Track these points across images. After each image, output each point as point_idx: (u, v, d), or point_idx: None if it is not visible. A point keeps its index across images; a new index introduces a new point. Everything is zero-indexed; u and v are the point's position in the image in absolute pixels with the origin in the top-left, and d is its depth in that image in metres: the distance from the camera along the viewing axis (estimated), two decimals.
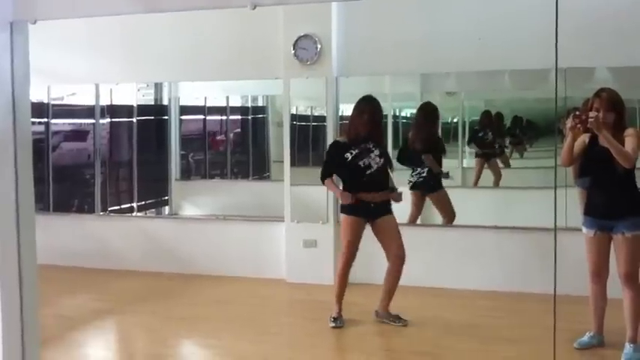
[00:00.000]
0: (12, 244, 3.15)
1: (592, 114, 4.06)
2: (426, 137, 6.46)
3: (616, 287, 4.26)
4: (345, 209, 5.15)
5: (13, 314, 3.17)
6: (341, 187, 5.19)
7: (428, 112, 6.55)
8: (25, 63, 3.19)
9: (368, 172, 5.04)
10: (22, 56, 3.16)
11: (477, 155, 7.14)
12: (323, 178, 5.17)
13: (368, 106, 5.10)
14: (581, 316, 4.48)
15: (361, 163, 5.03)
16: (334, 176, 5.21)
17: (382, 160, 5.07)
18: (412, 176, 6.48)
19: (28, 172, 3.26)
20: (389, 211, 5.13)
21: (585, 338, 4.45)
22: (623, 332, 4.25)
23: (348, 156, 5.04)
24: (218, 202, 8.07)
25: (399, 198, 5.16)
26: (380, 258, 5.36)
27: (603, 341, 4.45)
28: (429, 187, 6.43)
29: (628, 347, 4.20)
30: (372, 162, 5.04)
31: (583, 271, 4.40)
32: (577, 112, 4.14)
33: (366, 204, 5.04)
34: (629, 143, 4.09)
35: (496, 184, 6.92)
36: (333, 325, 5.09)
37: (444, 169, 6.54)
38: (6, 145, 3.10)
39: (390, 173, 5.25)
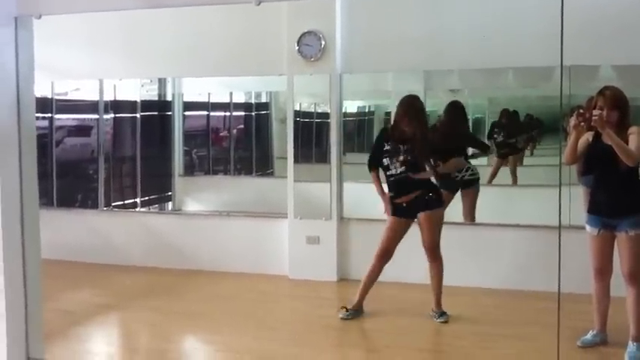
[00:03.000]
0: (16, 239, 3.16)
1: (596, 112, 4.05)
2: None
3: (619, 285, 4.26)
4: (392, 210, 5.14)
5: (18, 309, 3.18)
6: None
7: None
8: (30, 58, 3.20)
9: (388, 172, 5.10)
10: (26, 51, 3.17)
11: (498, 155, 7.17)
12: (370, 166, 5.20)
13: (403, 100, 5.15)
14: (584, 315, 4.48)
15: (385, 160, 5.09)
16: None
17: (403, 168, 5.05)
18: None
19: (33, 166, 3.27)
20: (429, 207, 5.08)
21: (588, 336, 4.45)
22: (626, 330, 4.24)
23: (386, 146, 5.11)
24: (221, 198, 8.07)
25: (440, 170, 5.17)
26: None
27: (606, 339, 4.44)
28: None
29: (631, 346, 4.19)
30: (391, 166, 5.08)
31: (586, 269, 4.40)
32: (581, 110, 4.13)
33: (398, 204, 5.08)
34: (633, 141, 4.07)
35: (513, 175, 6.94)
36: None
37: None
38: (11, 140, 3.11)
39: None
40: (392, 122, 5.25)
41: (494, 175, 7.03)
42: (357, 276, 6.12)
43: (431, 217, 5.08)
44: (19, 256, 3.17)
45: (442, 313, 5.08)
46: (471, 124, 7.37)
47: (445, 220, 6.17)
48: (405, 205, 5.08)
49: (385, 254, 5.15)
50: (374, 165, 5.19)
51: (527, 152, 7.38)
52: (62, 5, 3.04)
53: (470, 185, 6.29)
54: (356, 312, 5.22)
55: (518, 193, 6.77)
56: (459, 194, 6.30)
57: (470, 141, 6.73)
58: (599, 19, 5.53)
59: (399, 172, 5.07)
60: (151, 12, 3.37)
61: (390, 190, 5.14)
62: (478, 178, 6.36)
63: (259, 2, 2.73)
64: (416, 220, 5.12)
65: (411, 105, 5.10)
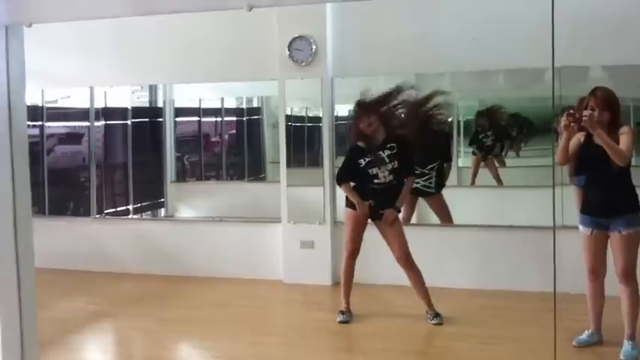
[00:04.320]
0: (10, 248, 3.15)
1: (586, 112, 4.06)
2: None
3: (614, 285, 4.27)
4: (347, 203, 5.22)
5: (13, 318, 3.16)
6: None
7: None
8: (21, 66, 3.19)
9: (375, 180, 5.09)
10: (17, 60, 3.15)
11: (473, 154, 7.16)
12: (339, 181, 5.26)
13: (358, 108, 5.20)
14: (579, 314, 4.49)
15: (370, 170, 5.08)
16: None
17: (392, 177, 5.07)
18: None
19: (25, 175, 3.26)
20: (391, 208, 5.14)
21: (584, 336, 4.46)
22: (621, 330, 4.26)
23: (362, 162, 5.10)
24: (214, 204, 8.06)
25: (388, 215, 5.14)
26: (378, 259, 5.37)
27: (602, 339, 4.46)
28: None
29: (626, 344, 4.21)
30: (380, 174, 5.08)
31: (580, 269, 4.41)
32: (571, 111, 4.14)
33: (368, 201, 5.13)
34: (624, 141, 4.09)
35: (496, 178, 6.94)
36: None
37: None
38: (3, 149, 3.09)
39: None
40: (354, 129, 5.21)
41: (475, 174, 7.03)
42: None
43: (397, 218, 5.15)
44: (13, 265, 3.16)
45: (436, 315, 5.08)
46: (461, 126, 7.38)
47: (435, 222, 6.26)
48: (372, 204, 5.12)
49: (354, 252, 5.22)
50: (345, 179, 5.20)
51: (512, 153, 7.37)
52: (53, 13, 3.01)
53: (427, 195, 6.34)
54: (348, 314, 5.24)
55: (509, 194, 6.78)
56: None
57: (446, 145, 6.79)
58: (589, 20, 5.55)
59: (387, 180, 5.10)
60: (141, 18, 3.35)
61: (364, 195, 5.13)
62: (433, 191, 6.38)
63: (250, 8, 2.73)
64: (372, 224, 5.19)
65: (369, 109, 5.14)
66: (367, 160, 5.08)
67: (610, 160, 4.07)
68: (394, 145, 5.09)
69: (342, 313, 5.22)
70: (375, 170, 5.08)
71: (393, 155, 5.08)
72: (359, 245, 5.25)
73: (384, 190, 5.11)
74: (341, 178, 5.25)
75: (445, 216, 6.37)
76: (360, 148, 5.14)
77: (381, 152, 5.08)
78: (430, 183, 6.35)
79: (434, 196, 6.38)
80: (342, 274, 5.34)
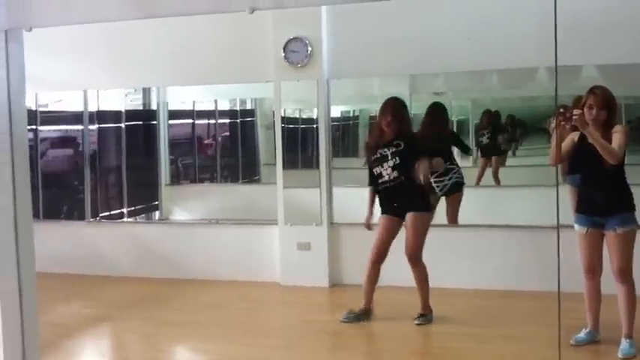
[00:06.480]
0: (11, 252, 3.14)
1: (576, 111, 4.07)
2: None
3: (610, 283, 4.29)
4: (382, 209, 5.17)
5: (14, 323, 3.16)
6: None
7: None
8: (21, 70, 3.19)
9: (380, 180, 5.06)
10: (17, 64, 3.16)
11: (481, 155, 7.25)
12: (370, 183, 5.21)
13: (383, 102, 5.16)
14: (576, 313, 4.48)
15: (375, 170, 5.07)
16: None
17: (395, 173, 4.98)
18: None
19: (26, 178, 3.26)
20: (418, 209, 5.05)
21: (581, 335, 4.47)
22: (618, 328, 4.28)
23: (371, 159, 5.09)
24: (208, 206, 8.05)
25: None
26: None
27: (599, 337, 4.47)
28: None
29: (624, 342, 4.23)
30: (383, 172, 5.03)
31: (576, 267, 4.43)
32: (561, 110, 4.12)
33: (390, 203, 5.09)
34: (616, 140, 4.12)
35: (495, 176, 7.01)
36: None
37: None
38: (3, 152, 3.09)
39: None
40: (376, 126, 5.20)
41: (481, 176, 7.09)
42: (349, 281, 6.17)
43: (418, 218, 5.05)
44: (14, 269, 3.15)
45: (420, 316, 5.07)
46: (454, 125, 7.44)
47: (435, 222, 6.26)
48: (395, 205, 5.06)
49: (379, 256, 5.11)
50: (370, 183, 5.19)
51: (509, 153, 7.45)
52: (53, 17, 3.00)
53: (455, 189, 6.31)
54: (358, 316, 5.17)
55: (506, 193, 6.82)
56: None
57: (452, 141, 6.77)
58: (582, 19, 5.57)
59: (392, 177, 5.00)
60: (135, 21, 3.34)
61: (382, 197, 5.12)
62: (463, 182, 6.36)
63: (253, 10, 2.73)
64: (404, 222, 5.12)
65: (390, 105, 5.09)
66: (373, 157, 5.06)
67: (603, 159, 4.09)
68: (400, 142, 4.99)
69: (355, 312, 5.17)
70: (378, 169, 5.03)
71: (397, 152, 4.98)
72: (385, 251, 5.12)
73: (393, 188, 5.01)
74: (369, 181, 5.21)
75: (455, 215, 6.36)
76: (370, 145, 5.14)
77: (385, 149, 5.02)
78: (459, 174, 6.30)
79: (459, 191, 6.31)
80: (364, 278, 5.20)
